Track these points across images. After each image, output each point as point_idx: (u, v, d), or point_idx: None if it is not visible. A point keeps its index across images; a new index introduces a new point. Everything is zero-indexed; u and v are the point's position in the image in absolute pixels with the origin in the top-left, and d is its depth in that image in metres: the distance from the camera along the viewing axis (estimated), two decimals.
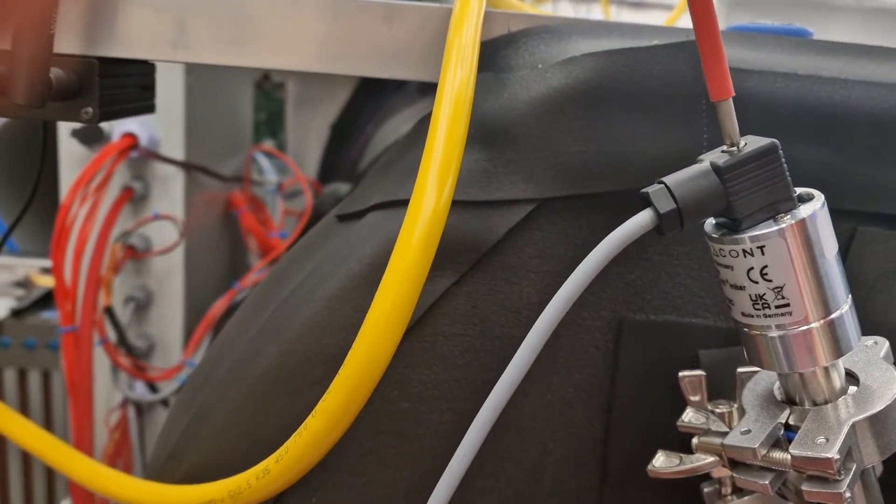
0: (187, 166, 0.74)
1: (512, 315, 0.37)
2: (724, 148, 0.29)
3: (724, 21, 0.35)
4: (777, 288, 0.28)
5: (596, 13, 1.41)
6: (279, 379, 0.37)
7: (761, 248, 0.28)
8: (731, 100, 0.29)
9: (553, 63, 0.36)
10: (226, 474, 0.36)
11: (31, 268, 1.02)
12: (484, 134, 0.36)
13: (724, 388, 0.36)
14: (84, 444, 0.65)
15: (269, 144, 1.03)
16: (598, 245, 0.28)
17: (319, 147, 1.13)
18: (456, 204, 0.34)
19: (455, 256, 0.36)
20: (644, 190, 0.29)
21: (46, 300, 0.93)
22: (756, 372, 0.34)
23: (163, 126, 0.73)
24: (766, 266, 0.28)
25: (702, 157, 0.30)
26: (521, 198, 0.36)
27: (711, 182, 0.28)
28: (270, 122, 1.12)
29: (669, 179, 0.28)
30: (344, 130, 1.13)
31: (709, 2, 0.28)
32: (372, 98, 1.11)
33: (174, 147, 0.74)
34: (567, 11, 1.37)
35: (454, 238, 0.36)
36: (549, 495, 0.39)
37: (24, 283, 1.01)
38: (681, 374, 0.35)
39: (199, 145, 0.77)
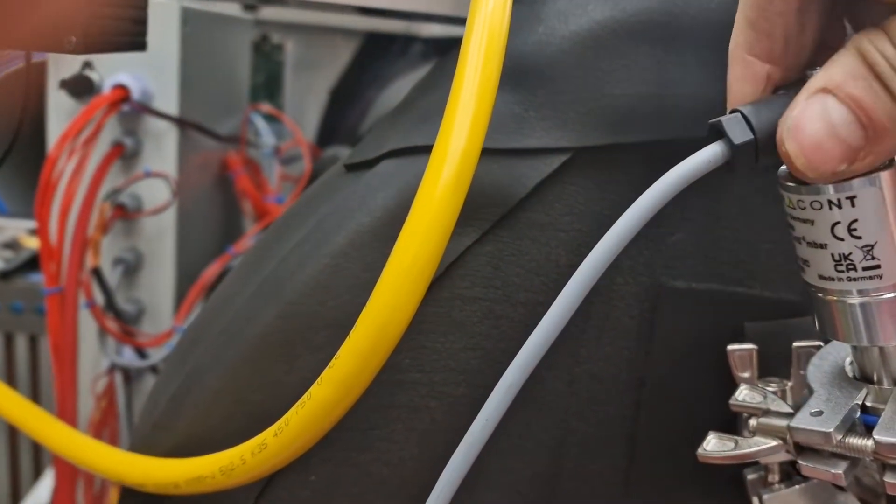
0: (182, 123, 0.70)
1: (538, 279, 0.33)
2: (809, 76, 0.25)
3: None
4: (867, 246, 0.24)
5: None
6: (278, 343, 0.33)
7: (851, 199, 0.24)
8: None
9: None
10: (217, 446, 0.33)
11: (20, 229, 0.99)
12: (514, 73, 0.32)
13: (770, 364, 0.33)
14: (68, 410, 0.61)
15: (269, 108, 0.99)
16: (658, 182, 0.24)
17: (318, 111, 1.09)
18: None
19: (477, 212, 0.32)
20: (715, 119, 0.25)
21: (34, 263, 0.90)
22: (817, 346, 0.30)
23: (156, 79, 0.69)
24: (855, 220, 0.24)
25: (781, 90, 0.26)
26: (553, 146, 0.32)
27: None
28: (268, 85, 1.08)
29: (746, 107, 0.25)
30: (344, 95, 1.09)
31: None
32: (373, 62, 1.08)
33: (168, 102, 0.70)
34: None
35: (476, 191, 0.32)
36: (572, 477, 0.35)
37: (12, 245, 0.98)
38: (730, 347, 0.31)
39: (194, 102, 0.73)
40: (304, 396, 0.28)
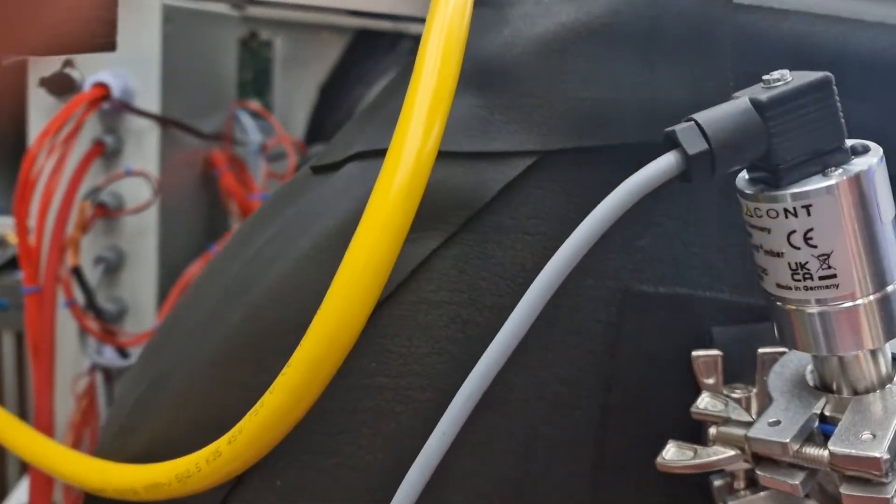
0: (163, 120, 0.70)
1: (504, 283, 0.33)
2: (765, 83, 0.25)
3: None
4: (823, 255, 0.24)
5: None
6: (242, 347, 0.32)
7: (807, 207, 0.24)
8: None
9: None
10: (184, 450, 0.32)
11: (4, 226, 0.98)
12: (479, 76, 0.31)
13: (738, 370, 0.33)
14: (44, 409, 0.61)
15: (255, 104, 0.99)
16: (613, 192, 0.24)
17: (307, 108, 1.09)
18: (444, 155, 0.30)
19: (442, 215, 0.32)
20: (670, 128, 0.25)
21: None
22: (781, 353, 0.30)
23: (137, 77, 0.69)
24: (811, 229, 0.24)
25: (737, 94, 0.25)
26: (519, 149, 0.31)
27: (751, 120, 0.24)
28: (257, 82, 1.07)
29: (700, 116, 0.24)
30: (333, 92, 1.09)
31: None
32: (362, 59, 1.07)
33: (149, 100, 0.70)
34: None
35: (441, 194, 0.31)
36: (538, 482, 0.35)
37: None
38: (694, 353, 0.31)
39: (177, 100, 0.73)
40: (257, 404, 0.27)
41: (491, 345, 0.26)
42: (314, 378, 0.26)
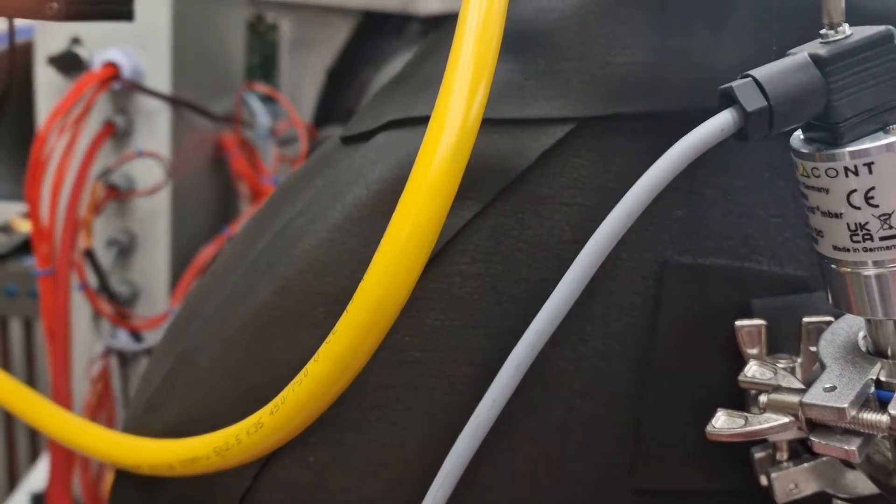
0: (174, 101, 0.69)
1: (540, 254, 0.32)
2: (823, 38, 0.24)
3: None
4: (884, 215, 0.23)
5: None
6: (273, 320, 0.32)
7: (868, 165, 0.23)
8: None
9: None
10: (212, 426, 0.32)
11: (12, 212, 0.98)
12: (515, 40, 0.31)
13: (778, 342, 0.32)
14: (62, 392, 0.61)
15: (265, 87, 0.98)
16: (667, 152, 0.23)
17: (315, 92, 1.08)
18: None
19: (477, 184, 0.31)
20: (726, 85, 0.24)
21: (28, 246, 0.89)
22: (826, 322, 0.29)
23: (147, 56, 0.68)
24: (872, 188, 0.23)
25: (793, 50, 0.25)
26: (556, 116, 0.31)
27: (810, 76, 0.24)
28: (264, 66, 1.06)
29: (758, 72, 0.24)
30: (341, 75, 1.08)
31: None
32: (370, 42, 1.06)
33: (160, 80, 0.69)
34: None
35: (477, 162, 0.31)
36: (575, 458, 0.35)
37: (5, 228, 0.97)
38: (738, 323, 0.30)
39: (187, 81, 0.72)
40: (301, 373, 0.27)
41: (543, 308, 0.26)
42: (360, 346, 0.25)
